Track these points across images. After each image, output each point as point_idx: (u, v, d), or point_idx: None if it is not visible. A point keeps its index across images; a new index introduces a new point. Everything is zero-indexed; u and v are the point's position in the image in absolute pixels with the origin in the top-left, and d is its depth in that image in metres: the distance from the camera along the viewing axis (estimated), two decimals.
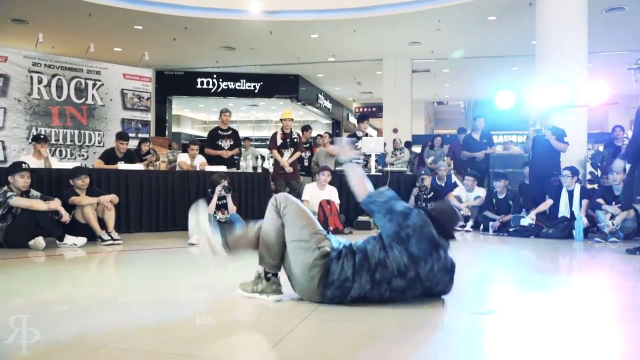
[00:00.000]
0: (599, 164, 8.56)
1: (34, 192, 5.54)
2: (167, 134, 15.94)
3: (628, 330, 2.62)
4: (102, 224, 5.81)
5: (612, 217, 6.58)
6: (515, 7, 9.99)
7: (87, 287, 3.70)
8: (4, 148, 8.74)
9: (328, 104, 19.66)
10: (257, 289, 2.90)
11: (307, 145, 9.45)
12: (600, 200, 6.78)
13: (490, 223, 7.38)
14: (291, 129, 8.24)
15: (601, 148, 8.86)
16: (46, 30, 10.60)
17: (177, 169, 8.45)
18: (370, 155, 8.47)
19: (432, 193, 7.94)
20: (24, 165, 5.57)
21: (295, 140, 8.18)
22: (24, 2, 9.82)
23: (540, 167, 7.68)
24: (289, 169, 7.98)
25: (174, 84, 15.58)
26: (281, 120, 8.30)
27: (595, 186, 7.89)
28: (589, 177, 8.75)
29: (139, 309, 2.78)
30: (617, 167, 6.14)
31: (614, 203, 6.69)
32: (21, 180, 5.40)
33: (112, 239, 5.72)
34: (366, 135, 8.87)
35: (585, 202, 6.94)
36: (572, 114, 8.43)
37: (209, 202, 6.05)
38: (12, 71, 8.83)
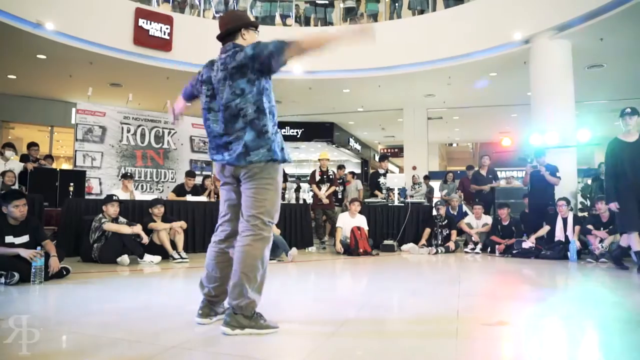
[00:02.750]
0: (588, 195, 8.29)
1: (121, 218, 5.71)
2: None
3: (618, 340, 2.50)
4: (174, 245, 5.93)
5: (601, 240, 6.35)
6: (513, 65, 9.92)
7: (161, 296, 3.76)
8: (100, 184, 9.05)
9: (358, 146, 19.68)
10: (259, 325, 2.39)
11: (341, 181, 9.46)
12: (590, 227, 6.56)
13: (496, 246, 7.20)
14: (327, 168, 8.28)
15: (589, 181, 8.57)
16: (134, 90, 11.06)
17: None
18: (393, 189, 8.43)
19: (446, 220, 7.81)
20: (114, 197, 5.78)
21: (330, 177, 8.22)
22: (120, 69, 10.31)
23: (537, 198, 7.49)
24: (325, 201, 8.02)
25: None
26: (319, 160, 8.37)
27: (585, 214, 7.62)
28: (579, 206, 8.47)
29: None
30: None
31: (602, 229, 6.46)
32: (112, 209, 5.58)
33: (181, 257, 5.82)
34: (386, 172, 8.86)
35: (577, 228, 6.73)
36: (564, 153, 8.24)
37: None
38: (108, 123, 9.21)
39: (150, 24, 9.73)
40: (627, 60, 9.44)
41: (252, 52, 2.38)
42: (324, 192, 8.06)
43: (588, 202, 8.21)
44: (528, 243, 6.89)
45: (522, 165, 12.46)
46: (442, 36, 9.94)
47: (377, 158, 23.28)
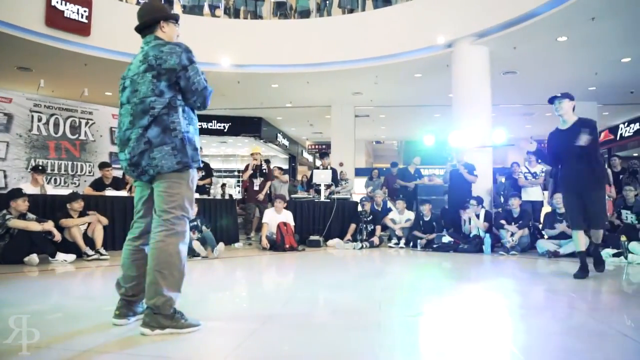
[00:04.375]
0: (502, 192, 8.87)
1: (30, 214, 5.30)
2: None
3: (522, 325, 2.71)
4: (92, 242, 5.62)
5: (512, 234, 6.85)
6: (436, 67, 10.37)
7: (75, 297, 3.54)
8: (5, 177, 8.34)
9: (286, 142, 19.71)
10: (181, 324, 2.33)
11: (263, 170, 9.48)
12: (502, 221, 7.03)
13: (418, 241, 7.51)
14: (261, 162, 8.25)
15: (503, 179, 9.18)
16: (47, 76, 10.28)
17: None
18: (320, 185, 8.52)
19: (371, 216, 8.02)
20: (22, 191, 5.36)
21: (264, 171, 8.20)
22: (29, 52, 9.51)
23: (456, 195, 7.93)
24: (260, 197, 8.04)
25: None
26: (251, 154, 8.31)
27: (500, 210, 8.16)
28: (494, 202, 9.04)
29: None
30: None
31: (513, 223, 6.96)
32: (23, 205, 5.19)
33: (100, 254, 5.53)
34: (328, 168, 8.95)
35: (484, 224, 7.20)
36: (481, 152, 8.75)
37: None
38: (15, 111, 8.48)
39: (66, 4, 9.04)
40: (536, 68, 10.21)
41: (187, 74, 2.38)
42: (257, 187, 8.05)
43: (502, 199, 8.77)
44: (447, 238, 7.27)
45: (443, 163, 13.08)
46: (370, 36, 10.18)
47: (306, 154, 23.52)
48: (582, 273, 4.42)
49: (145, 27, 2.51)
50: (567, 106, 4.52)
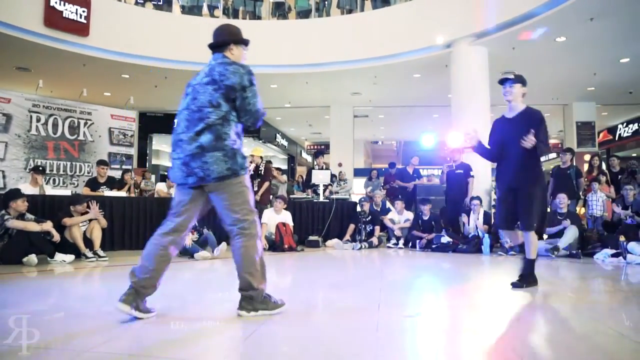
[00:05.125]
0: None
1: (28, 215, 5.30)
2: (147, 166, 15.54)
3: (521, 325, 2.72)
4: (90, 243, 5.62)
5: None
6: (435, 67, 10.39)
7: (74, 298, 3.54)
8: (4, 177, 8.34)
9: (284, 142, 19.72)
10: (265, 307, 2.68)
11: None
12: None
13: (418, 241, 7.52)
14: (259, 163, 8.22)
15: None
16: (46, 77, 10.29)
17: (156, 195, 8.26)
18: (318, 185, 8.53)
19: (370, 216, 8.03)
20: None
21: (260, 172, 8.19)
22: (28, 53, 9.51)
23: (453, 195, 7.95)
24: (257, 198, 7.99)
25: (155, 123, 15.25)
26: (251, 155, 8.30)
27: None
28: (493, 202, 9.05)
29: (119, 316, 2.57)
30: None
31: None
32: (23, 205, 5.19)
33: (99, 256, 5.53)
34: (323, 167, 8.96)
35: (485, 226, 7.19)
36: None
37: None
38: (14, 111, 8.50)
39: (64, 4, 9.05)
40: (535, 68, 10.22)
41: (245, 94, 2.62)
42: (255, 187, 8.03)
43: None
44: (446, 238, 7.27)
45: (442, 164, 13.09)
46: (369, 36, 10.20)
47: (305, 154, 23.54)
48: (519, 282, 3.82)
49: (217, 46, 2.77)
50: (518, 91, 4.04)
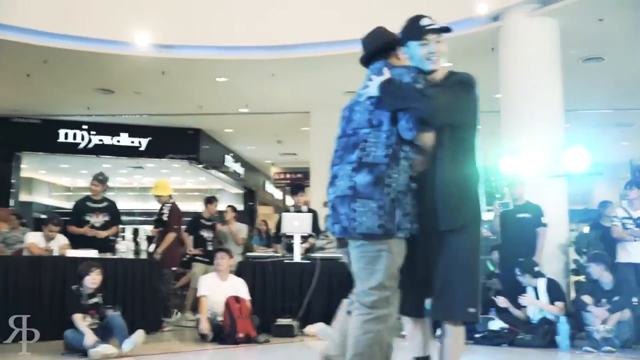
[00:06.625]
0: (584, 250, 8.80)
1: None
2: (11, 204, 15.16)
3: None
4: None
5: (604, 321, 6.71)
6: (474, 52, 10.30)
7: None
8: None
9: (239, 168, 19.64)
10: None
11: (210, 223, 9.38)
12: (586, 299, 6.91)
13: None
14: (163, 204, 8.30)
15: (586, 229, 9.15)
16: None
17: (25, 253, 8.01)
18: (293, 237, 8.39)
19: None
20: None
21: (162, 217, 8.26)
22: None
23: (512, 253, 7.79)
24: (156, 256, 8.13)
25: (26, 135, 14.99)
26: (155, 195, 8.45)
27: (582, 278, 8.07)
28: (572, 265, 8.96)
29: None
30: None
31: (603, 300, 6.84)
32: None
33: None
34: (309, 210, 8.92)
35: (560, 304, 7.11)
36: (549, 185, 8.69)
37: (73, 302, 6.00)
38: None
39: None
40: (636, 52, 10.29)
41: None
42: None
43: (583, 259, 8.70)
44: (498, 323, 7.12)
45: (488, 204, 13.08)
46: (370, 5, 10.21)
47: (271, 187, 23.47)
48: None
49: (377, 52, 3.38)
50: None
